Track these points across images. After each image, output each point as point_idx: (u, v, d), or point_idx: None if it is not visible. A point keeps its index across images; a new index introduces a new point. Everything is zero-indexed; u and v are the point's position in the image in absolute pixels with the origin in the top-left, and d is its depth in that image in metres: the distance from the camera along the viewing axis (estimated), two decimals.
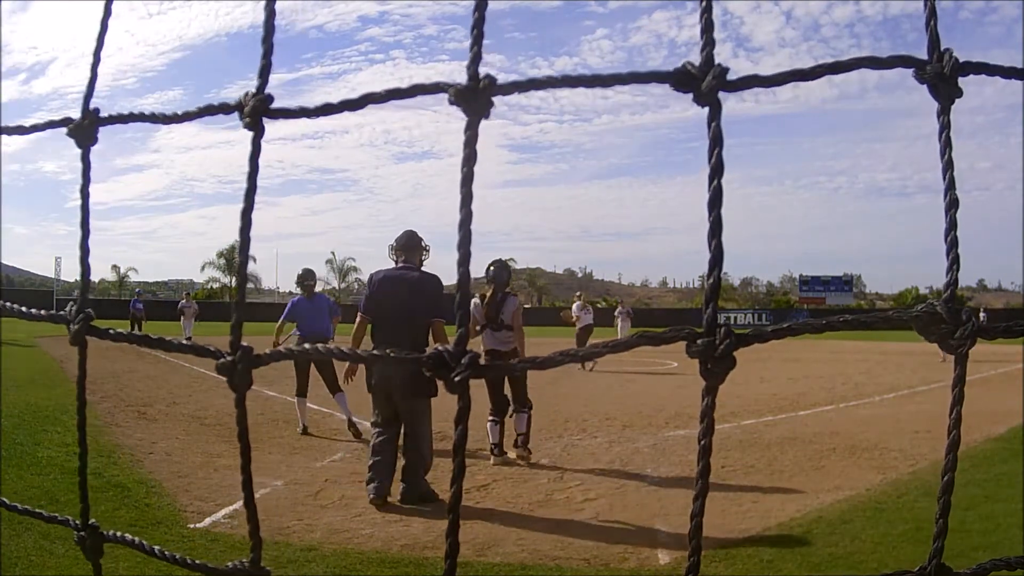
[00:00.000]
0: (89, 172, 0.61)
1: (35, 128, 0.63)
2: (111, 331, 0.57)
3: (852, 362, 18.21)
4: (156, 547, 0.68)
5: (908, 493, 5.14)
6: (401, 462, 5.07)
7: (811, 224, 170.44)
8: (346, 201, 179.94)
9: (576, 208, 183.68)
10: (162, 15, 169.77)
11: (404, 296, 4.97)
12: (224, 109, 0.54)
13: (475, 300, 6.29)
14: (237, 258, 0.52)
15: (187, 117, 0.57)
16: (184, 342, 0.59)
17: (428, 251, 5.30)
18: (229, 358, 0.52)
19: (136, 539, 0.66)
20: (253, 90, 0.52)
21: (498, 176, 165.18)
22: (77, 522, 0.66)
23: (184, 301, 24.36)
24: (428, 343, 4.97)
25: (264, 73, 0.53)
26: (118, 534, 0.66)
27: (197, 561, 0.68)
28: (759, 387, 11.44)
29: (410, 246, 5.23)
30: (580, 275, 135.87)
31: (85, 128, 0.61)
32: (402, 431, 5.07)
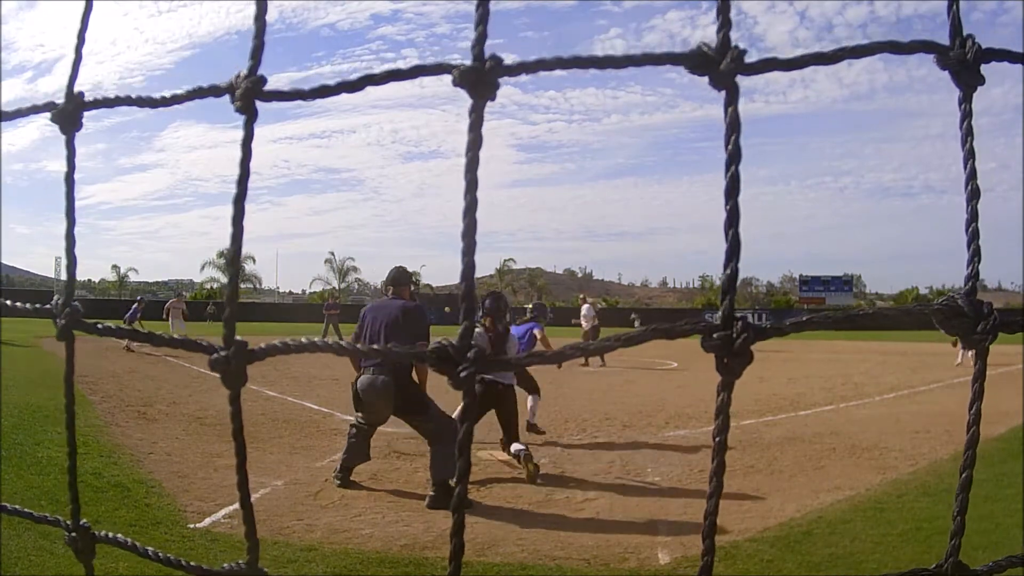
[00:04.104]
0: (74, 159, 0.58)
1: (18, 113, 0.61)
2: (99, 325, 0.55)
3: (852, 362, 18.17)
4: (150, 549, 0.67)
5: (908, 493, 5.13)
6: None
7: (814, 224, 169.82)
8: (351, 201, 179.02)
9: (580, 208, 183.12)
10: (172, 12, 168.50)
11: (387, 321, 5.47)
12: (215, 92, 0.52)
13: (479, 331, 6.10)
14: (229, 248, 0.49)
15: (175, 100, 0.54)
16: (175, 336, 0.57)
17: (417, 283, 5.59)
18: (223, 353, 0.50)
19: (129, 540, 0.64)
20: (245, 71, 0.50)
21: (504, 176, 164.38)
22: (68, 523, 0.64)
23: (172, 300, 21.70)
24: (411, 366, 5.39)
25: (256, 54, 0.50)
26: (110, 535, 0.64)
27: (192, 563, 0.66)
28: (758, 387, 11.41)
29: (399, 281, 5.86)
30: (580, 275, 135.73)
31: (69, 113, 0.58)
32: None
